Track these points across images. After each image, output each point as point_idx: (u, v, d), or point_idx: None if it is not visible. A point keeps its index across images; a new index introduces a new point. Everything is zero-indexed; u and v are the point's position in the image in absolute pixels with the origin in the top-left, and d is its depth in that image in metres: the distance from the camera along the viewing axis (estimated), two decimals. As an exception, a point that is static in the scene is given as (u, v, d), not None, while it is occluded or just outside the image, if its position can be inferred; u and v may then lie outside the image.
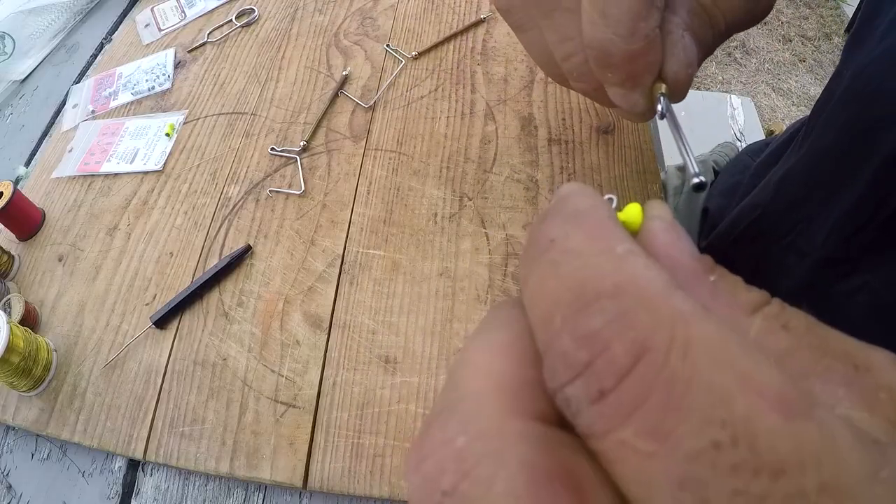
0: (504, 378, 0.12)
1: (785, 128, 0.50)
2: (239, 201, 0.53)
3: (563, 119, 0.54)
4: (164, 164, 0.57)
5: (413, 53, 0.60)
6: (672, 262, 0.13)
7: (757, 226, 0.47)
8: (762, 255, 0.46)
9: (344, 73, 0.60)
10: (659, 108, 0.25)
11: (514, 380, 0.12)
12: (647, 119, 0.29)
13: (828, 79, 0.43)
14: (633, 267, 0.12)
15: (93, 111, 0.65)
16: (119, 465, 0.44)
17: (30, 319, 0.48)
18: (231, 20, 0.69)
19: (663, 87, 0.25)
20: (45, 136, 0.67)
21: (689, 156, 0.23)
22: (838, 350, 0.12)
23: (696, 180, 0.21)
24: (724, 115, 1.07)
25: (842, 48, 0.43)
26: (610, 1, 0.23)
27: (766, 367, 0.10)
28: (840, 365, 0.11)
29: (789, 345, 0.12)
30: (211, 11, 0.72)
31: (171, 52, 0.68)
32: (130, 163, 0.58)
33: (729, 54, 1.86)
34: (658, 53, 0.24)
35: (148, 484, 0.43)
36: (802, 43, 1.89)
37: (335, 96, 0.59)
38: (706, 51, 0.26)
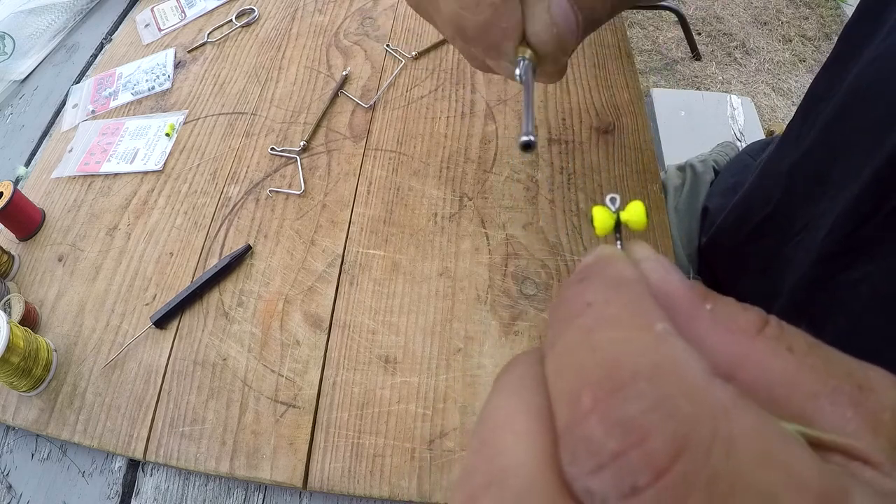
0: (551, 452, 0.11)
1: (785, 128, 0.50)
2: (239, 201, 0.53)
3: (563, 119, 0.54)
4: (164, 164, 0.57)
5: (413, 53, 0.60)
6: (668, 298, 0.13)
7: (769, 223, 0.47)
8: (775, 253, 0.46)
9: (344, 73, 0.60)
10: (517, 71, 0.24)
11: (556, 460, 0.11)
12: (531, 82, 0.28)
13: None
14: (672, 349, 0.11)
15: (93, 111, 0.65)
16: (119, 465, 0.43)
17: (30, 319, 0.48)
18: (231, 20, 0.69)
19: (527, 52, 0.23)
20: (45, 136, 0.67)
21: (527, 113, 0.22)
22: (841, 370, 0.12)
23: (524, 138, 0.21)
24: (724, 115, 1.07)
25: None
26: None
27: (806, 458, 0.10)
28: (846, 385, 0.11)
29: (796, 367, 0.12)
30: (211, 11, 0.72)
31: (171, 52, 0.68)
32: (130, 163, 0.58)
33: (729, 54, 1.86)
34: (512, 18, 0.22)
35: (148, 484, 0.43)
36: (802, 43, 1.89)
37: (335, 96, 0.59)
38: (596, 15, 0.24)
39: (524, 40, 0.23)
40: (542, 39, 0.23)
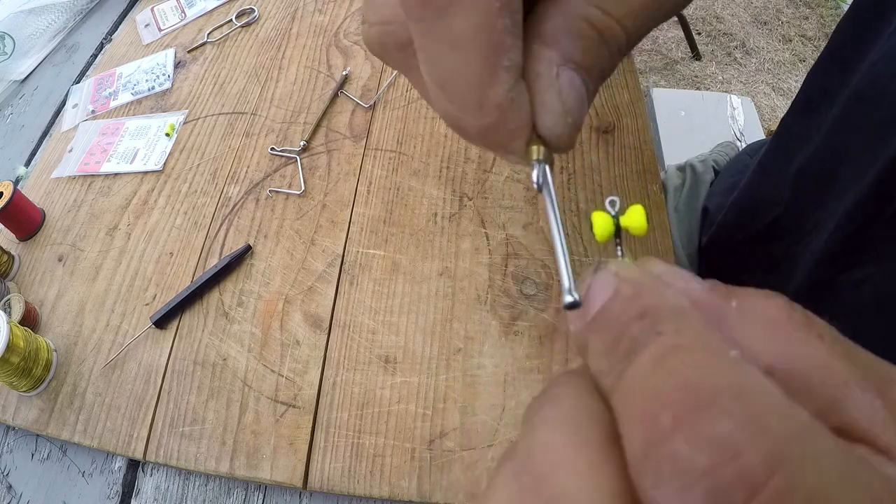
0: (619, 490, 0.11)
1: (779, 125, 0.50)
2: (239, 201, 0.53)
3: (563, 119, 0.54)
4: (164, 164, 0.57)
5: (413, 53, 0.60)
6: (695, 306, 0.13)
7: (779, 224, 0.47)
8: (785, 253, 0.46)
9: (344, 73, 0.60)
10: (534, 175, 0.19)
11: (624, 494, 0.11)
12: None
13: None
14: (750, 371, 0.11)
15: (93, 111, 0.65)
16: (119, 465, 0.43)
17: (30, 319, 0.48)
18: (231, 20, 0.69)
19: (538, 152, 0.19)
20: (45, 136, 0.67)
21: (564, 258, 0.16)
22: (863, 361, 0.12)
23: (568, 298, 0.15)
24: (724, 115, 1.07)
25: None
26: (444, 70, 0.18)
27: (873, 472, 0.10)
28: (872, 375, 0.11)
29: (827, 354, 0.12)
30: (211, 11, 0.72)
31: (171, 52, 0.68)
32: (130, 163, 0.58)
33: (729, 54, 1.86)
34: (521, 117, 0.19)
35: (148, 484, 0.43)
36: (802, 43, 1.89)
37: (335, 96, 0.59)
38: (605, 73, 0.20)
39: (534, 133, 0.20)
40: (557, 133, 0.19)
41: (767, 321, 0.12)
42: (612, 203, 0.17)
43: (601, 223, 0.17)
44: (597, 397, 0.13)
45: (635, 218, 0.16)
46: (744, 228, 0.51)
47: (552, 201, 0.18)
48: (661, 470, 0.10)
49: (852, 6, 0.40)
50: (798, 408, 0.10)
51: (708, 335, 0.12)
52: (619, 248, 0.16)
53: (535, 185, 0.19)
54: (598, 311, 0.13)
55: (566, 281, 0.16)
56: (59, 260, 0.53)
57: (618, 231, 0.17)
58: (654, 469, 0.10)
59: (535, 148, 0.19)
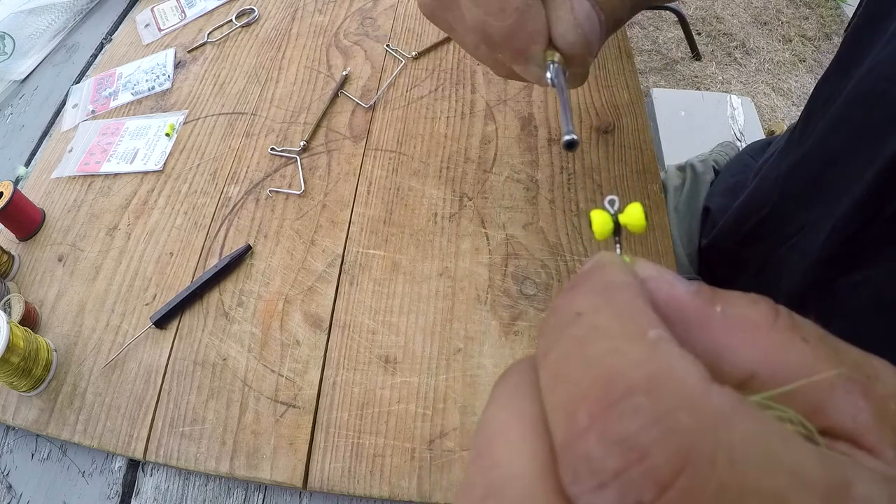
0: (547, 462, 0.11)
1: (785, 128, 0.50)
2: (239, 201, 0.53)
3: (563, 119, 0.54)
4: (164, 164, 0.57)
5: (413, 53, 0.60)
6: (678, 310, 0.13)
7: (764, 226, 0.47)
8: (769, 255, 0.46)
9: (344, 73, 0.60)
10: (548, 75, 0.24)
11: (553, 468, 0.11)
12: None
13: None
14: (667, 356, 0.11)
15: (93, 111, 0.65)
16: (119, 465, 0.43)
17: (30, 319, 0.48)
18: (231, 20, 0.69)
19: (555, 56, 0.24)
20: (45, 136, 0.67)
21: (565, 114, 0.22)
22: (850, 360, 0.12)
23: (567, 137, 0.21)
24: (724, 115, 1.07)
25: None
26: None
27: (808, 456, 0.10)
28: (857, 375, 0.11)
29: (811, 357, 0.12)
30: (211, 11, 0.72)
31: (171, 52, 0.68)
32: (130, 163, 0.58)
33: (729, 54, 1.86)
34: (538, 22, 0.23)
35: (148, 484, 0.43)
36: (802, 43, 1.89)
37: (335, 96, 0.59)
38: (617, 14, 0.25)
39: (550, 44, 0.24)
40: (568, 41, 0.23)
41: (751, 326, 0.12)
42: (611, 202, 0.17)
43: (600, 221, 0.17)
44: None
45: (634, 216, 0.16)
46: (737, 230, 0.51)
47: (563, 91, 0.23)
48: (577, 468, 0.10)
49: (859, 15, 0.40)
50: (718, 392, 0.10)
51: (629, 313, 0.12)
52: (617, 245, 0.17)
53: (548, 82, 0.24)
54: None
55: (566, 125, 0.21)
56: (59, 260, 0.53)
57: (617, 229, 0.17)
58: (571, 467, 0.10)
59: (549, 52, 0.24)
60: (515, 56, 0.24)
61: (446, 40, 0.61)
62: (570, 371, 0.11)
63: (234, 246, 0.50)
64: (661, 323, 0.12)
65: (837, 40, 1.87)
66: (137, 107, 0.64)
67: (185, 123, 0.60)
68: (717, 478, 0.09)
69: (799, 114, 0.48)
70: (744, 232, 0.50)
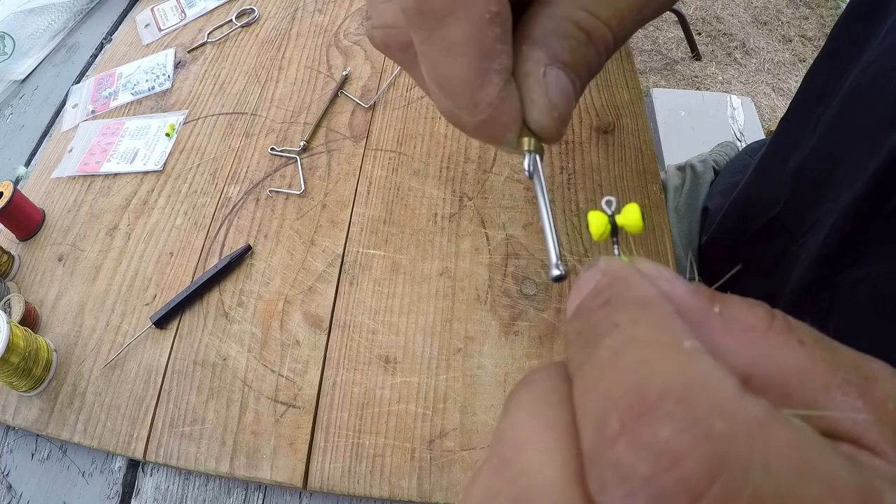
0: (578, 472, 0.11)
1: (778, 126, 0.50)
2: (239, 201, 0.53)
3: (563, 119, 0.54)
4: (164, 164, 0.57)
5: (413, 53, 0.60)
6: (678, 309, 0.13)
7: (776, 224, 0.47)
8: (781, 254, 0.46)
9: (344, 73, 0.60)
10: (525, 164, 0.21)
11: (583, 476, 0.11)
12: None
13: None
14: (701, 366, 0.10)
15: (93, 111, 0.65)
16: (119, 465, 0.43)
17: (30, 319, 0.48)
18: (231, 20, 0.69)
19: (528, 143, 0.21)
20: (45, 136, 0.67)
21: (549, 234, 0.18)
22: (848, 362, 0.12)
23: (555, 272, 0.18)
24: (724, 115, 1.07)
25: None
26: (441, 73, 0.20)
27: (842, 466, 0.09)
28: (854, 377, 0.11)
29: (808, 360, 0.12)
30: (211, 11, 0.72)
31: (171, 52, 0.68)
32: (130, 163, 0.58)
33: (729, 54, 1.86)
34: (511, 112, 0.21)
35: (148, 484, 0.43)
36: (802, 43, 1.89)
37: (335, 96, 0.59)
38: (592, 70, 0.22)
39: (525, 127, 0.22)
40: (544, 126, 0.21)
41: (748, 328, 0.12)
42: (609, 203, 0.17)
43: (596, 222, 0.17)
44: (570, 384, 0.13)
45: (631, 217, 0.16)
46: (743, 229, 0.51)
47: (542, 186, 0.21)
48: (605, 476, 0.10)
49: (848, 7, 0.40)
50: (752, 402, 0.10)
51: (665, 325, 0.12)
52: (615, 246, 0.17)
53: (525, 173, 0.22)
54: (577, 302, 0.14)
55: (553, 256, 0.18)
56: (59, 260, 0.53)
57: (614, 230, 0.17)
58: (598, 474, 0.10)
59: (526, 139, 0.21)
60: (489, 140, 0.23)
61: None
62: (605, 380, 0.11)
63: (234, 246, 0.50)
64: (693, 334, 0.12)
65: (837, 40, 1.87)
66: (137, 107, 0.64)
67: (185, 123, 0.60)
68: (751, 485, 0.09)
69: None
70: (751, 232, 0.49)
